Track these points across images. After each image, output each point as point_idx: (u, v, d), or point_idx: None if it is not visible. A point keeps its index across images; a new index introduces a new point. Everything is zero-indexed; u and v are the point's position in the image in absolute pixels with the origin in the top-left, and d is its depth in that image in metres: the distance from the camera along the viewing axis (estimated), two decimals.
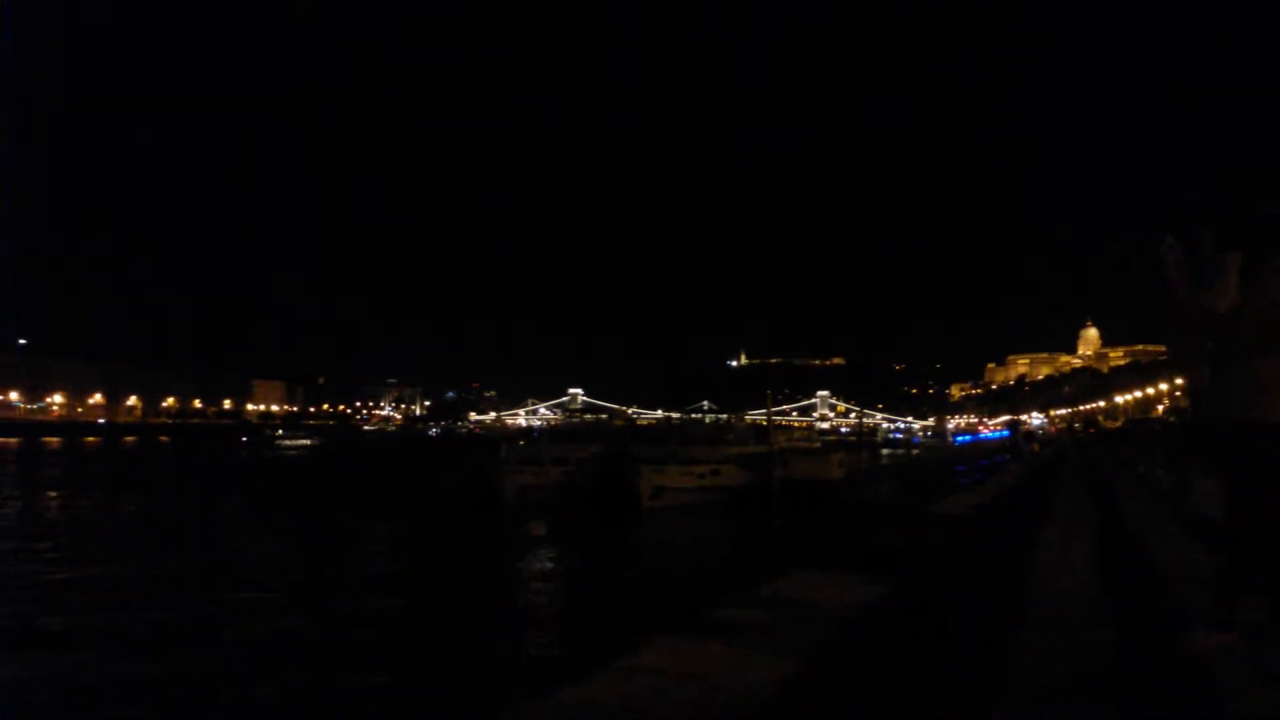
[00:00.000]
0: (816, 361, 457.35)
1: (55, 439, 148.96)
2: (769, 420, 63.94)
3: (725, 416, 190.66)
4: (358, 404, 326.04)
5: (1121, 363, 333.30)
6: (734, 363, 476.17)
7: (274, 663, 16.38)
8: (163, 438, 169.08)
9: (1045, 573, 8.84)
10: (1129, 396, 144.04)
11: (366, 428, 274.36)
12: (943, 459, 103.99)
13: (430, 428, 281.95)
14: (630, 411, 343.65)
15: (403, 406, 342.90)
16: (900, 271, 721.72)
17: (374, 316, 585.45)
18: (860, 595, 7.36)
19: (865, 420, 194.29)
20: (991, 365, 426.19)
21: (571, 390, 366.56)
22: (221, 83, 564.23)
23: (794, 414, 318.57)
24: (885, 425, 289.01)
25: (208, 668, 15.95)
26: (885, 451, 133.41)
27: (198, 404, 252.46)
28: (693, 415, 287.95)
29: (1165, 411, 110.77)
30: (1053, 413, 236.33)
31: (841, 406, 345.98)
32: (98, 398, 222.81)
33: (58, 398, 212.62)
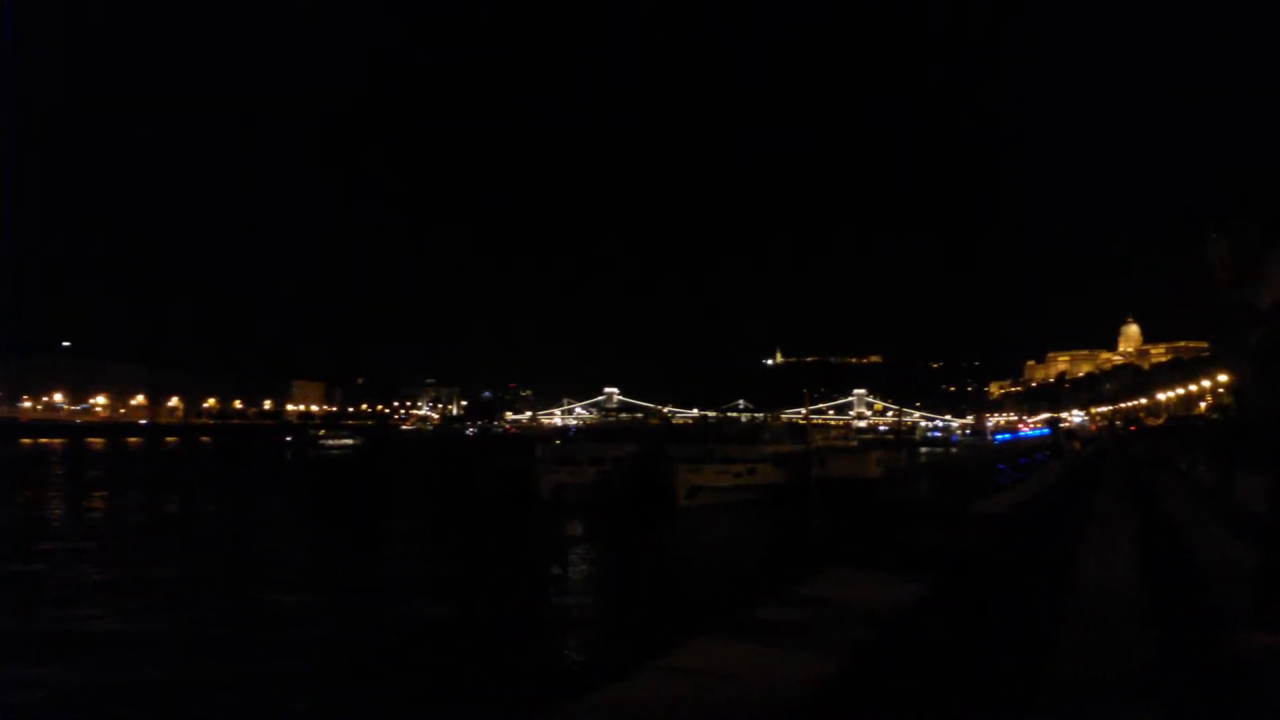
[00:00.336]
0: (853, 360, 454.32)
1: (99, 440, 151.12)
2: (806, 419, 63.65)
3: (761, 415, 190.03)
4: (395, 404, 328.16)
5: (1163, 359, 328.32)
6: (769, 361, 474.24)
7: (316, 668, 16.50)
8: (204, 438, 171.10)
9: (1087, 571, 8.76)
10: (1171, 394, 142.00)
11: (404, 427, 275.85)
12: (982, 457, 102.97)
13: (467, 427, 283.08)
14: (666, 410, 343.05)
15: (440, 406, 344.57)
16: (934, 269, 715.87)
17: (410, 317, 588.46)
18: (899, 594, 7.34)
19: (903, 419, 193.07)
20: (1031, 363, 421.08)
21: (607, 389, 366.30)
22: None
23: (830, 412, 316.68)
24: (923, 424, 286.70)
25: (245, 671, 15.97)
26: (923, 450, 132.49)
27: (238, 404, 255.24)
28: (729, 414, 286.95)
29: (1208, 408, 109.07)
30: (1093, 410, 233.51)
31: (879, 405, 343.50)
32: (140, 399, 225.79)
33: (101, 399, 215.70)
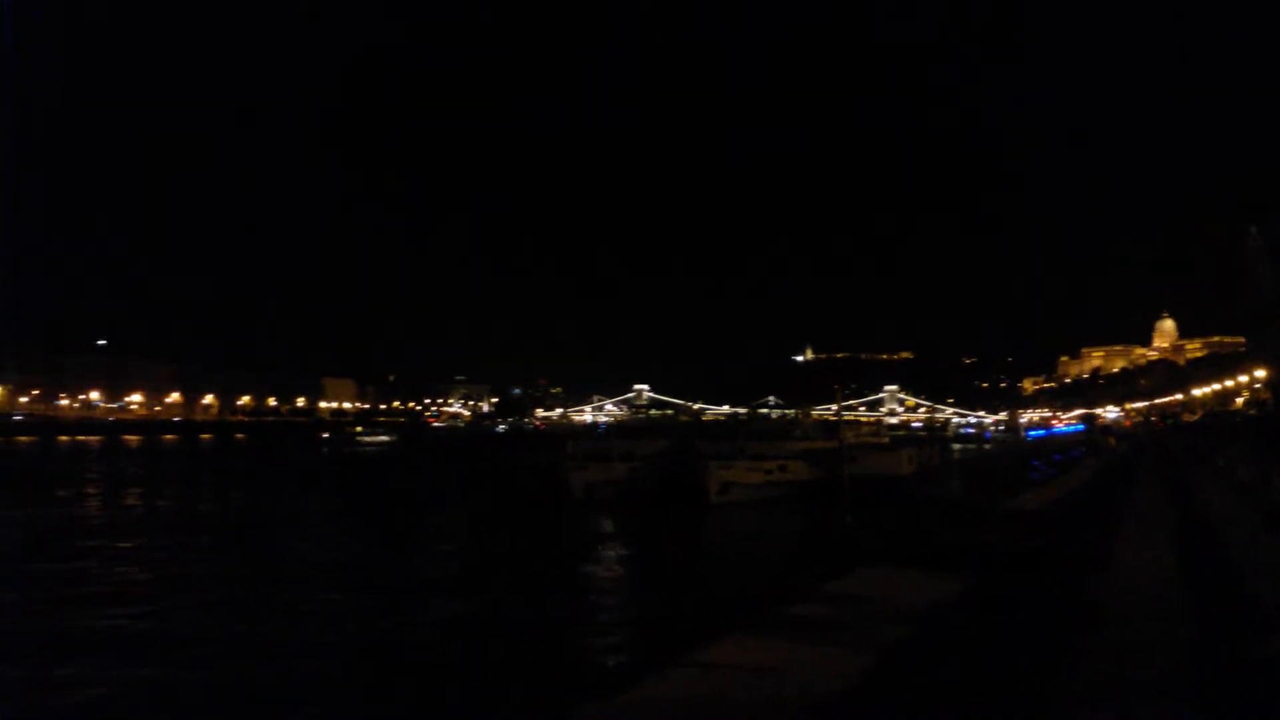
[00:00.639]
0: (884, 356, 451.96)
1: (135, 437, 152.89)
2: (839, 415, 63.34)
3: (792, 412, 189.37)
4: (426, 401, 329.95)
5: (1199, 355, 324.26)
6: (800, 358, 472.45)
7: (347, 667, 16.61)
8: (239, 435, 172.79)
9: (1122, 568, 8.72)
10: (1207, 389, 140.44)
11: (436, 424, 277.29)
12: (1015, 454, 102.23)
13: (497, 424, 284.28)
14: (696, 407, 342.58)
15: (470, 403, 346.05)
16: (969, 263, 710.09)
17: (450, 315, 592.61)
18: (931, 592, 7.34)
19: (935, 415, 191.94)
20: (1065, 358, 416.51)
21: (637, 386, 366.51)
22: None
23: (861, 409, 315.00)
24: (956, 420, 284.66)
25: (271, 673, 16.01)
26: (956, 447, 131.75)
27: (272, 402, 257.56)
28: (759, 411, 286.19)
29: (1245, 404, 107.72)
30: (1128, 406, 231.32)
31: (911, 401, 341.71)
32: (175, 396, 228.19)
33: (136, 397, 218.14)
